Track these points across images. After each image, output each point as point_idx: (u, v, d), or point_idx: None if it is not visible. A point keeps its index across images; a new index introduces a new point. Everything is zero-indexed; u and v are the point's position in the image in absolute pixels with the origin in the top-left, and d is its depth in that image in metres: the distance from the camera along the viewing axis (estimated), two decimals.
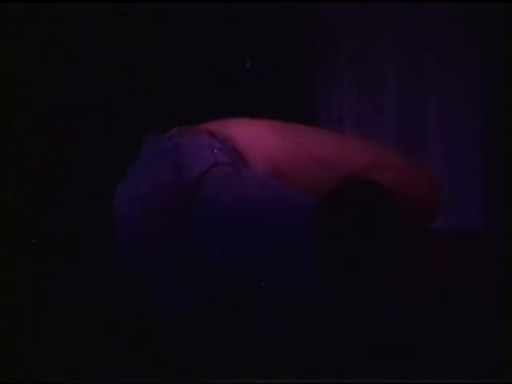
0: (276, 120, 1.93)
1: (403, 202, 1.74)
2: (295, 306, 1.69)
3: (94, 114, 2.73)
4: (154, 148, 1.82)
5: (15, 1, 2.62)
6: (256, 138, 1.84)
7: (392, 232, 1.75)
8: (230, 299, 1.68)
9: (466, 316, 1.74)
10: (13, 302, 2.42)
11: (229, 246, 1.68)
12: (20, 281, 2.50)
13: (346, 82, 3.19)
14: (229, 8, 2.85)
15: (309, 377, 1.66)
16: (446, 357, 1.69)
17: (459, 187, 3.14)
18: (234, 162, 1.74)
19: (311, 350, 1.68)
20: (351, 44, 3.18)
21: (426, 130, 3.15)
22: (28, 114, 2.70)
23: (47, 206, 2.64)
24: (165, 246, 1.72)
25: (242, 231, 1.67)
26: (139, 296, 1.78)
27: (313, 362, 1.67)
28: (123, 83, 2.74)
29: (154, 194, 1.73)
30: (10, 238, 2.55)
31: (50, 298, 2.49)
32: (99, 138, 2.73)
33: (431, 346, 1.70)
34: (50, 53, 2.70)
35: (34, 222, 2.63)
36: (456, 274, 1.83)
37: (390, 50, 3.17)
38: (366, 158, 1.87)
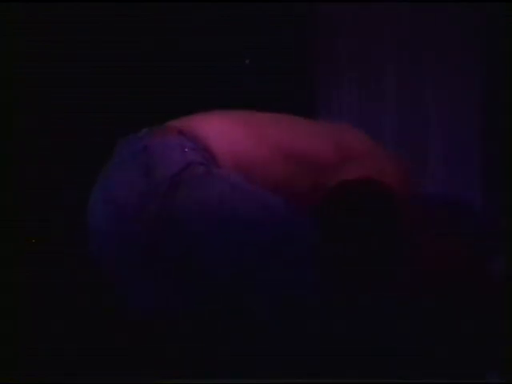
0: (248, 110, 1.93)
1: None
2: (294, 306, 1.69)
3: (94, 114, 2.72)
4: (125, 150, 1.80)
5: (15, 1, 2.62)
6: (227, 135, 1.81)
7: (392, 232, 1.75)
8: (219, 301, 1.67)
9: (465, 316, 1.74)
10: (13, 301, 2.42)
11: (205, 248, 1.67)
12: (20, 281, 2.50)
13: (345, 82, 3.19)
14: (229, 8, 2.85)
15: (309, 377, 1.66)
16: (446, 357, 1.69)
17: (459, 187, 3.14)
18: (205, 162, 1.72)
19: (311, 350, 1.68)
20: (351, 44, 3.18)
21: (426, 130, 3.15)
22: (28, 113, 2.69)
23: (47, 205, 2.64)
24: (140, 249, 1.70)
25: (215, 234, 1.67)
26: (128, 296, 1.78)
27: (313, 361, 1.67)
28: (123, 83, 2.74)
29: (127, 198, 1.71)
30: (10, 237, 2.55)
31: (49, 298, 2.49)
32: (99, 137, 2.72)
33: (431, 346, 1.70)
34: (49, 53, 2.70)
35: (33, 221, 2.63)
36: (456, 274, 1.83)
37: (390, 49, 3.16)
38: (335, 151, 1.87)
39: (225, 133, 1.81)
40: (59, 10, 2.68)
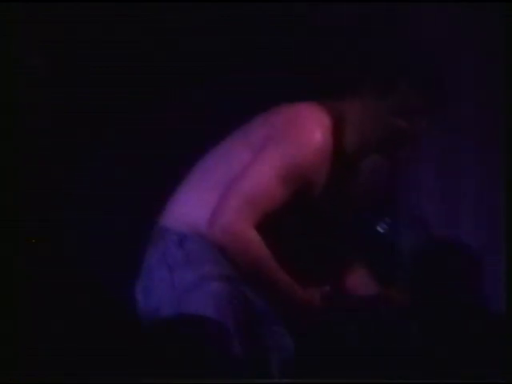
0: None
1: None
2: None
3: (94, 114, 2.72)
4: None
5: (15, 1, 2.62)
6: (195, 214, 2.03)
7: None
8: None
9: (466, 316, 1.74)
10: (13, 301, 2.42)
11: None
12: (20, 281, 2.50)
13: None
14: (229, 8, 2.85)
15: (309, 377, 1.66)
16: (446, 357, 1.69)
17: (459, 188, 3.13)
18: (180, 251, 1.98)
19: (311, 350, 1.68)
20: None
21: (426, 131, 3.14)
22: (28, 113, 2.69)
23: (47, 205, 2.64)
24: None
25: None
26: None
27: (313, 362, 1.68)
28: (123, 83, 2.74)
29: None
30: (9, 237, 2.55)
31: (49, 298, 2.49)
32: (99, 137, 2.73)
33: (431, 345, 1.70)
34: (49, 53, 2.70)
35: (33, 221, 2.62)
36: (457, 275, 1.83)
37: None
38: None
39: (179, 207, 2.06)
40: (59, 10, 2.68)
